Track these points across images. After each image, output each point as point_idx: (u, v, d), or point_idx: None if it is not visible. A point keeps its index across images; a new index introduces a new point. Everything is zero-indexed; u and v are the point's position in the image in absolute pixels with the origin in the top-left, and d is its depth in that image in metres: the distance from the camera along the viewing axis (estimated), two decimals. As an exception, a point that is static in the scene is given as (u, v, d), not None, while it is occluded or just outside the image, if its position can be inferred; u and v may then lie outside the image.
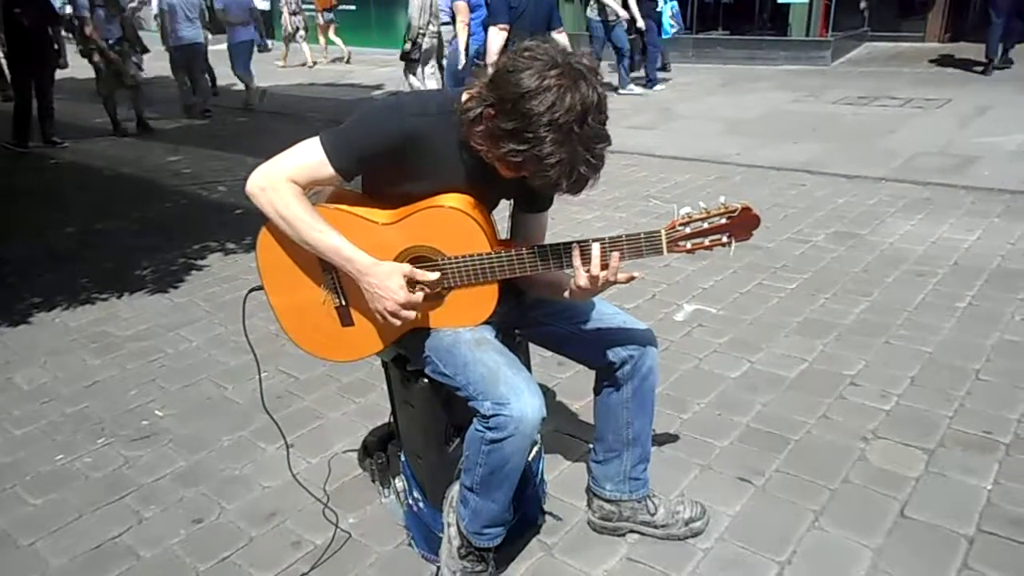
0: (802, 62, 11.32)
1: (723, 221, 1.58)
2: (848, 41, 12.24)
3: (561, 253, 1.63)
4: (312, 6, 14.40)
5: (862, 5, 12.52)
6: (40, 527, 2.22)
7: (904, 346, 3.02)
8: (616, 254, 1.58)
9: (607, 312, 1.90)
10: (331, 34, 14.67)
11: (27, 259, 4.58)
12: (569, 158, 1.43)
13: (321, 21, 14.65)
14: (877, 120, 7.38)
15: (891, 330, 3.15)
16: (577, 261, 1.61)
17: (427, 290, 1.68)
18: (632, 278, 1.61)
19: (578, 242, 1.61)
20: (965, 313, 3.28)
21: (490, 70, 1.52)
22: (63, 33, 8.03)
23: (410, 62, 7.57)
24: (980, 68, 9.30)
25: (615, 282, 1.61)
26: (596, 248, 1.59)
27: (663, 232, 1.59)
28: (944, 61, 10.34)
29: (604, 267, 1.59)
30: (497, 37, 5.20)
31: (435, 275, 1.66)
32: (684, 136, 7.22)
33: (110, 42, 7.86)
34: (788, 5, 11.60)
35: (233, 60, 9.66)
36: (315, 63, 14.07)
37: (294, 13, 14.04)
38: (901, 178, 5.38)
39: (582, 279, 1.61)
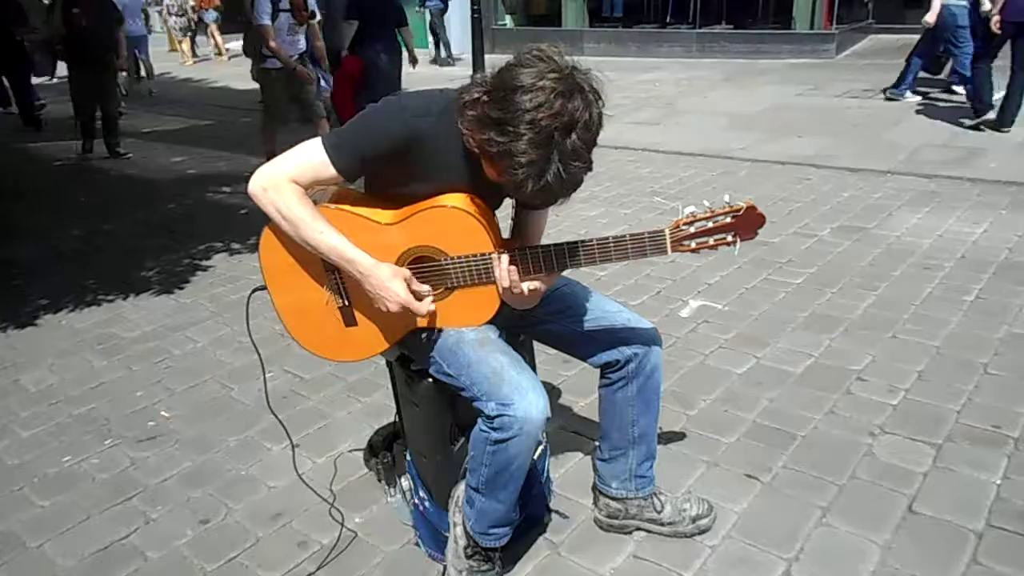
0: (806, 55, 11.29)
1: (728, 220, 1.58)
2: (853, 34, 12.21)
3: (566, 254, 1.63)
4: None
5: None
6: (48, 529, 2.23)
7: (911, 340, 3.00)
8: (514, 268, 1.62)
9: (611, 310, 1.90)
10: (215, 33, 15.74)
11: (33, 261, 4.59)
12: (540, 163, 1.41)
13: (202, 20, 15.72)
14: (882, 113, 7.35)
15: (898, 324, 3.14)
16: (497, 273, 1.64)
17: (429, 292, 1.68)
18: (534, 290, 1.65)
19: (497, 253, 1.63)
20: (972, 306, 3.26)
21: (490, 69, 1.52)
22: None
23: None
24: None
25: (523, 293, 1.64)
26: (505, 261, 1.62)
27: (667, 232, 1.59)
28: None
29: (511, 280, 1.63)
30: (348, 30, 6.09)
31: (427, 288, 1.68)
32: (688, 131, 7.20)
33: (294, 58, 5.97)
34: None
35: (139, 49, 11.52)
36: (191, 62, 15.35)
37: (179, 15, 15.06)
38: (907, 171, 5.37)
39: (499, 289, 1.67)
